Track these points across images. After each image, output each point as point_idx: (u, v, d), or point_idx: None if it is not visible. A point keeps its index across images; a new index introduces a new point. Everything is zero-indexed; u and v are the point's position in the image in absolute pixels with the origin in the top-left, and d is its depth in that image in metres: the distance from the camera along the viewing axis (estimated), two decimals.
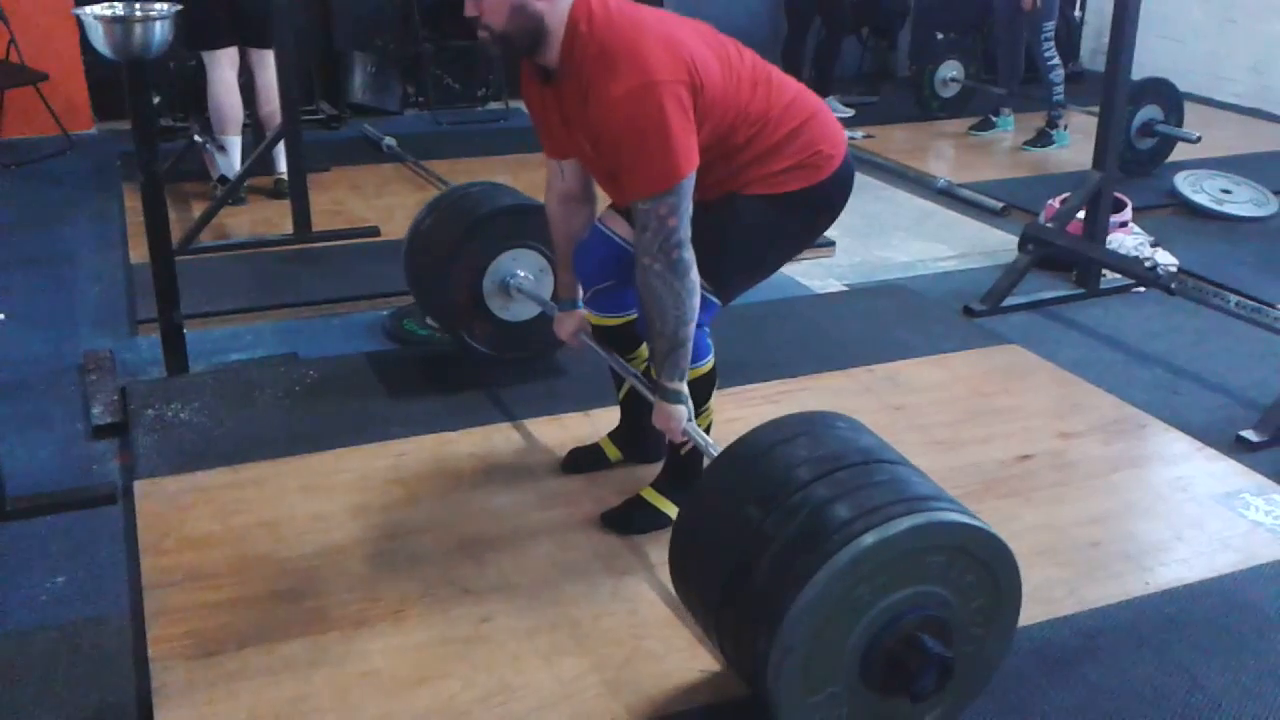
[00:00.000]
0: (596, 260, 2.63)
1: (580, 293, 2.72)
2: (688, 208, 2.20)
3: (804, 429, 2.00)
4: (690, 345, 2.29)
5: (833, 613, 1.78)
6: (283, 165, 4.72)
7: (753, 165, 2.38)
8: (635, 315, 2.64)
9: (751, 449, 2.00)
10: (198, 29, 4.61)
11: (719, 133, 2.28)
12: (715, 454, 2.13)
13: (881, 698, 1.89)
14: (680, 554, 2.05)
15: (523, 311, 3.26)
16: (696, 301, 2.26)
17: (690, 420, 2.35)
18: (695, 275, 2.24)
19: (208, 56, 4.79)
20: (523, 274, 3.19)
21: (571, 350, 2.92)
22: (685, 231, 2.20)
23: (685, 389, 2.33)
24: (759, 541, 1.84)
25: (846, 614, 1.80)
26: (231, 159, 4.83)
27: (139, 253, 3.93)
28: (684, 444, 2.43)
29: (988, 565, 1.90)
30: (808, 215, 2.50)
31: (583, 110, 2.22)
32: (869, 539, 1.75)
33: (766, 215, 2.42)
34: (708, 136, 2.25)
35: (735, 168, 2.37)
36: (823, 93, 6.74)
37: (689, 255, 2.22)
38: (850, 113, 6.74)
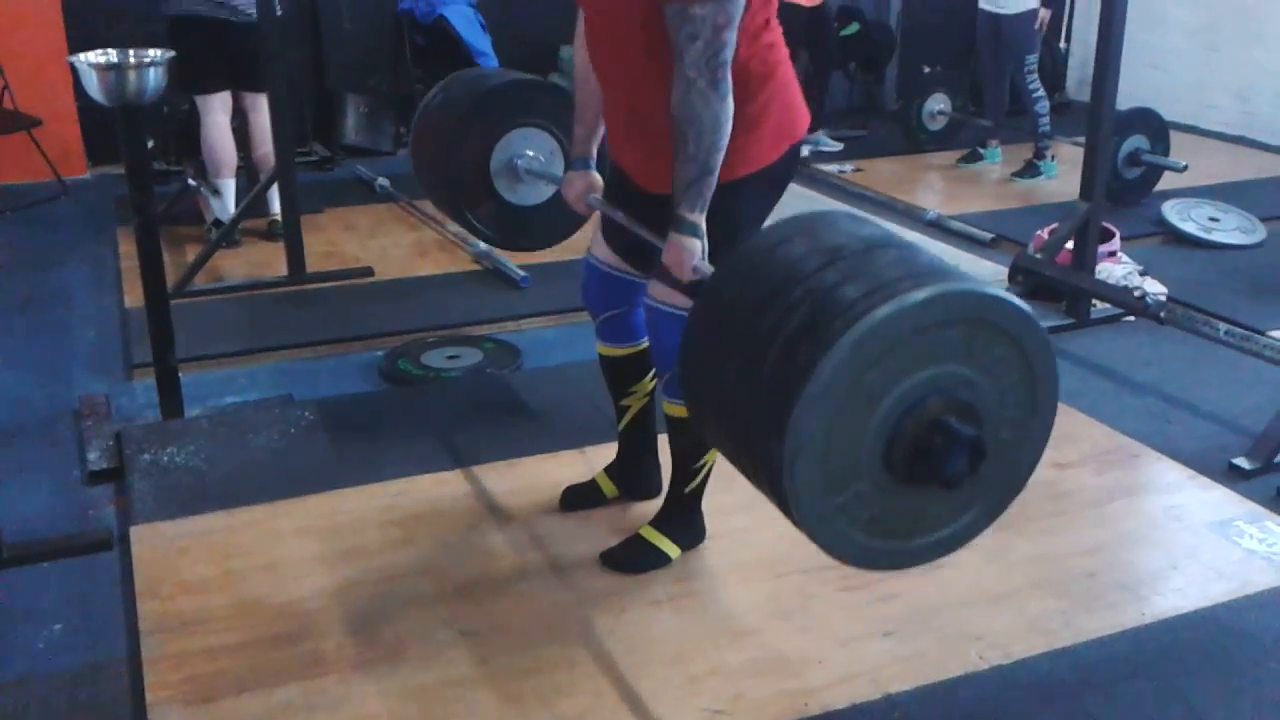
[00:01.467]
0: (598, 291, 2.63)
1: (594, 150, 2.61)
2: (736, 29, 2.12)
3: (805, 226, 1.88)
4: (716, 176, 2.19)
5: (844, 403, 1.64)
6: (276, 207, 4.74)
7: (747, 120, 2.27)
8: (645, 345, 2.62)
9: (750, 252, 1.89)
10: (191, 73, 4.64)
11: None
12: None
13: (911, 491, 1.74)
14: (689, 372, 1.94)
15: (530, 195, 3.07)
16: (729, 130, 2.17)
17: (703, 257, 2.20)
18: (732, 102, 2.15)
19: (201, 101, 4.82)
20: (532, 154, 3.01)
21: (579, 210, 2.69)
22: (730, 52, 2.12)
23: (703, 222, 2.21)
24: (762, 340, 1.71)
25: (860, 403, 1.66)
26: (226, 202, 4.85)
27: (134, 297, 3.95)
28: (695, 280, 2.22)
29: (1012, 337, 1.72)
30: (763, 195, 2.41)
31: None
32: (869, 319, 1.60)
33: (761, 195, 2.35)
34: None
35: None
36: (811, 128, 6.80)
37: (729, 75, 2.14)
38: (838, 147, 6.80)
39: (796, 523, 1.73)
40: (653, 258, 2.35)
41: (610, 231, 2.58)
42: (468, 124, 2.97)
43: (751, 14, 2.20)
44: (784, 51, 2.36)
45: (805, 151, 6.69)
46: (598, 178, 2.61)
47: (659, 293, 2.39)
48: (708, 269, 2.17)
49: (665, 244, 2.23)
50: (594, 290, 2.65)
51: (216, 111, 4.80)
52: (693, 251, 2.19)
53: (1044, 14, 5.96)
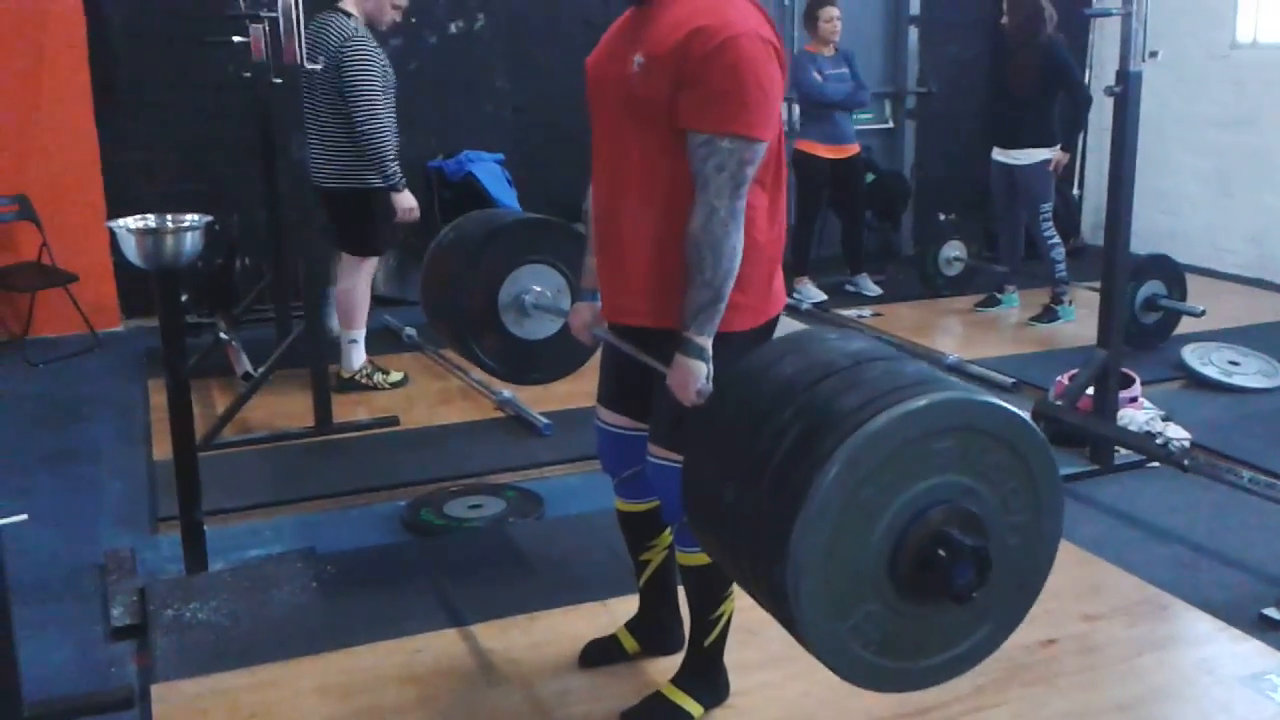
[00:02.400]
0: (614, 454, 2.66)
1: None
2: (757, 167, 2.20)
3: (794, 344, 1.92)
4: (724, 305, 2.23)
5: (843, 520, 1.63)
6: (355, 360, 5.07)
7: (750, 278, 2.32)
8: (659, 502, 2.62)
9: (743, 373, 1.92)
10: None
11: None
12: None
13: (922, 608, 1.71)
14: (691, 497, 1.94)
15: (536, 330, 3.12)
16: (740, 260, 2.22)
17: (708, 381, 2.21)
18: (743, 232, 2.22)
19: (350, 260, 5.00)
20: (539, 289, 3.08)
21: (587, 345, 2.76)
22: (748, 186, 2.20)
23: (709, 346, 2.23)
24: (757, 461, 1.71)
25: (860, 519, 1.65)
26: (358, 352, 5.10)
27: (162, 449, 3.99)
28: (697, 404, 2.21)
29: (1009, 443, 1.72)
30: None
31: (676, 34, 2.18)
32: (862, 433, 1.61)
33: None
34: None
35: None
36: (854, 270, 6.94)
37: (745, 205, 2.21)
38: (879, 291, 6.91)
39: (806, 647, 1.71)
40: (649, 405, 2.40)
41: (608, 393, 2.62)
42: (477, 260, 3.05)
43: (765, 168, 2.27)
44: (778, 222, 2.41)
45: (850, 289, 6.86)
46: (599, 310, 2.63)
47: (658, 451, 2.42)
48: (710, 391, 2.19)
49: (671, 368, 2.25)
50: (607, 451, 2.67)
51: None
52: (699, 375, 2.22)
53: (1060, 157, 6.06)
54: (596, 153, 2.46)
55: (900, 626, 1.73)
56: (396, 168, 4.80)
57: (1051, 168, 6.06)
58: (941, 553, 1.66)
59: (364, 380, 5.09)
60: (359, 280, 5.01)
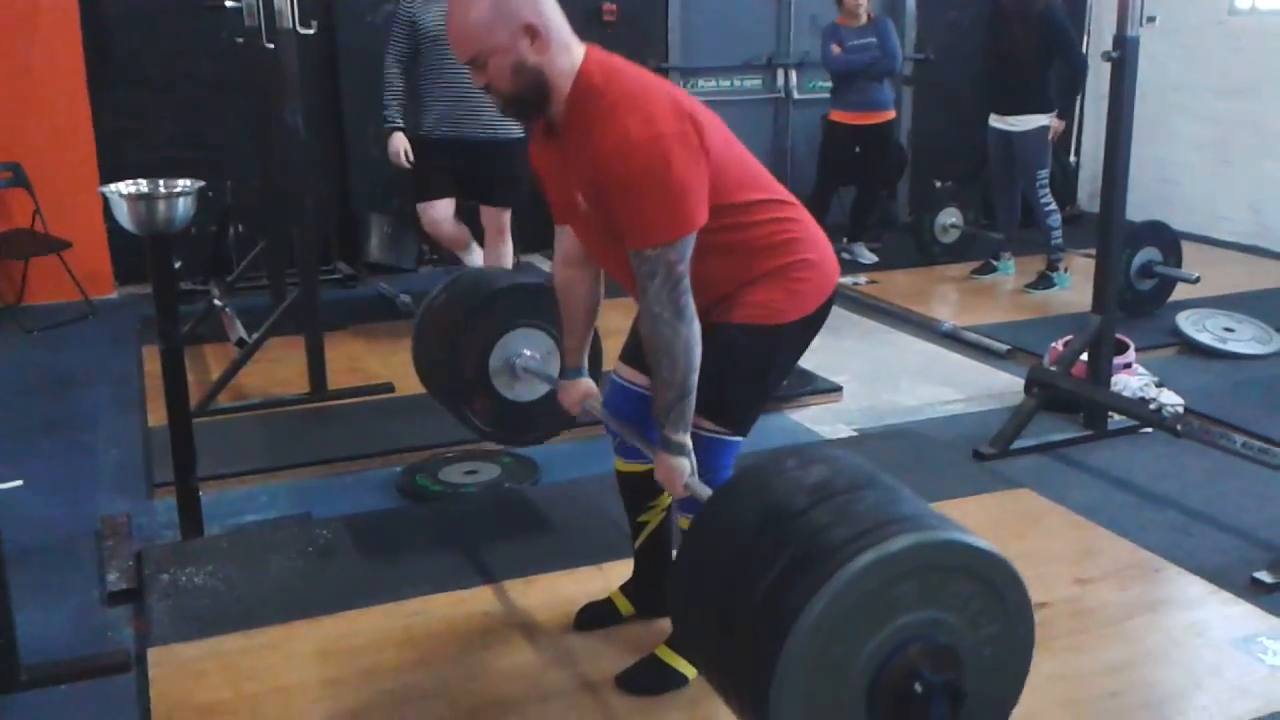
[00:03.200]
0: (620, 408, 2.66)
1: (584, 360, 2.71)
2: (690, 253, 2.21)
3: (785, 465, 1.94)
4: (694, 396, 2.26)
5: (819, 667, 1.68)
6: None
7: (740, 282, 2.38)
8: None
9: (734, 491, 1.96)
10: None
11: (715, 199, 2.26)
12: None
13: None
14: (677, 610, 1.98)
15: (527, 393, 3.14)
16: (700, 348, 2.24)
17: (693, 474, 2.28)
18: (698, 324, 2.24)
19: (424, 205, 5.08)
20: (530, 353, 3.10)
21: (577, 417, 2.85)
22: (688, 276, 2.21)
23: (689, 441, 2.29)
24: (745, 588, 1.76)
25: (835, 665, 1.70)
26: (474, 257, 5.25)
27: (157, 416, 4.00)
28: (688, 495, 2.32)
29: (979, 576, 1.78)
30: (800, 337, 2.50)
31: (586, 163, 2.22)
32: (834, 584, 1.66)
33: (762, 344, 2.42)
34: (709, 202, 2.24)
35: (723, 269, 2.36)
36: (852, 238, 6.96)
37: (691, 301, 2.22)
38: (875, 259, 6.94)
39: None
40: None
41: (633, 352, 2.63)
42: (468, 326, 3.07)
43: (730, 202, 2.30)
44: (795, 221, 2.44)
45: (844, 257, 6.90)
46: (592, 384, 2.73)
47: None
48: (699, 486, 2.25)
49: (656, 462, 2.32)
50: (616, 407, 2.68)
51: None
52: (682, 470, 2.28)
53: (1057, 125, 6.06)
54: (584, 243, 2.51)
55: None
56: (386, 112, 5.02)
57: (1050, 136, 6.05)
58: (918, 688, 1.72)
59: None
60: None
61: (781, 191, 2.45)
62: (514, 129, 4.81)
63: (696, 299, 2.25)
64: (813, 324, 2.48)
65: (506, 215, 5.11)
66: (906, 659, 1.73)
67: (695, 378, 2.25)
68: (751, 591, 1.76)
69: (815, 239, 2.47)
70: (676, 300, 2.20)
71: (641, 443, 2.49)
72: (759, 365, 2.45)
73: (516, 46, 2.18)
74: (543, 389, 3.08)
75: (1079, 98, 8.14)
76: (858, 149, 6.70)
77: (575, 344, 2.69)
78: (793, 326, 2.43)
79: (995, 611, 1.81)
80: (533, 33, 2.17)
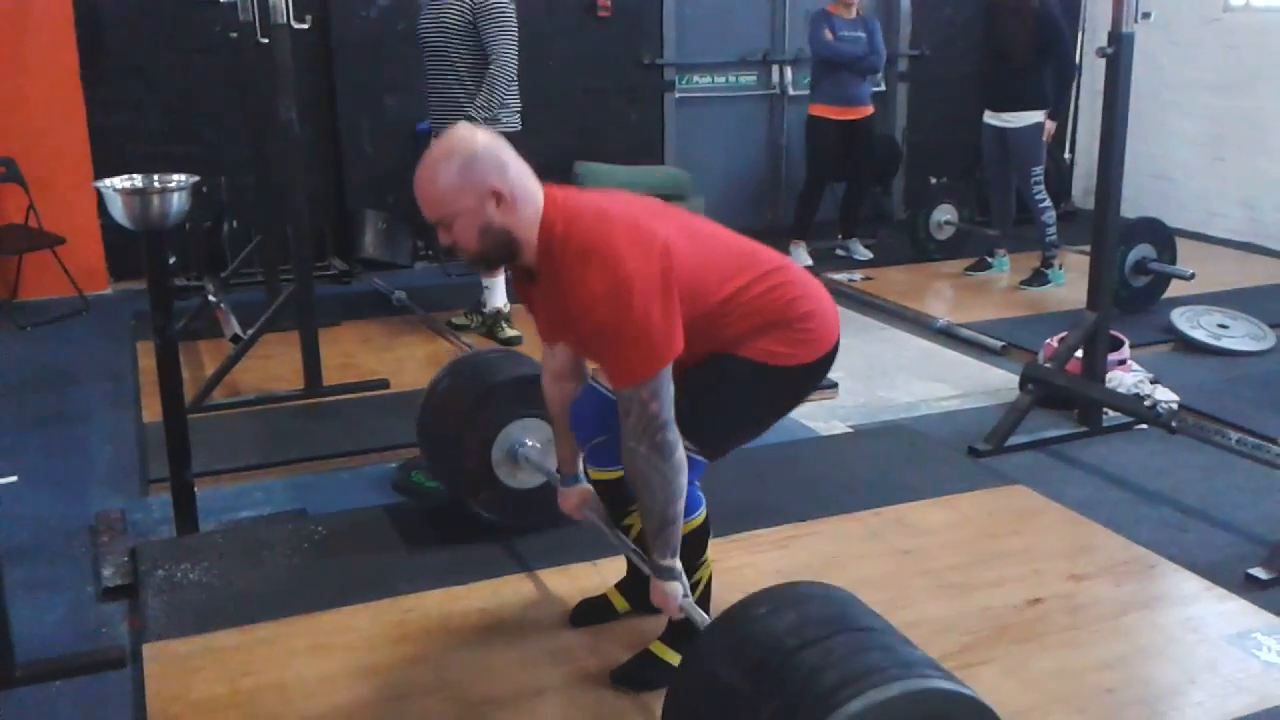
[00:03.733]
0: (591, 414, 2.65)
1: (582, 467, 2.76)
2: (669, 390, 2.25)
3: (792, 599, 2.01)
4: (680, 522, 2.33)
5: None
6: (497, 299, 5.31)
7: (745, 337, 2.42)
8: None
9: (723, 627, 2.00)
10: None
11: (699, 307, 2.32)
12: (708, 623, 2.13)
13: None
14: None
15: (530, 480, 3.25)
16: (684, 480, 2.30)
17: (686, 596, 2.36)
18: (681, 454, 2.28)
19: None
20: (531, 443, 3.19)
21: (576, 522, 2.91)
22: (668, 413, 2.25)
23: (679, 565, 2.36)
24: None
25: None
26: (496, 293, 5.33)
27: (152, 411, 3.99)
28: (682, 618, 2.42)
29: None
30: (798, 383, 2.53)
31: (564, 306, 2.27)
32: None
33: (756, 379, 2.45)
34: (687, 313, 2.28)
35: (725, 339, 2.41)
36: (846, 235, 6.95)
37: (673, 436, 2.26)
38: (869, 255, 6.93)
39: None
40: None
41: None
42: (470, 419, 3.17)
43: (720, 298, 2.36)
44: (790, 284, 2.46)
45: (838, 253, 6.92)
46: (589, 490, 2.78)
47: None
48: (693, 609, 2.35)
49: (650, 588, 2.39)
50: (587, 416, 2.66)
51: None
52: (675, 594, 2.35)
53: (1050, 125, 6.07)
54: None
55: None
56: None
57: (1045, 137, 6.05)
58: None
59: (490, 322, 5.32)
60: None
61: (768, 260, 2.48)
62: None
63: (707, 346, 2.33)
64: (813, 372, 2.52)
65: None
66: None
67: (677, 507, 2.30)
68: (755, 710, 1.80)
69: (812, 292, 2.50)
70: (653, 436, 2.24)
71: (639, 561, 2.56)
72: (747, 393, 2.47)
73: (483, 210, 2.23)
74: (539, 480, 3.19)
75: (1073, 96, 8.18)
76: (845, 144, 6.67)
77: (568, 453, 2.74)
78: (795, 371, 2.46)
79: None
80: (499, 197, 2.22)
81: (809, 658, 1.82)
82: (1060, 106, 6.09)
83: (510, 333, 5.29)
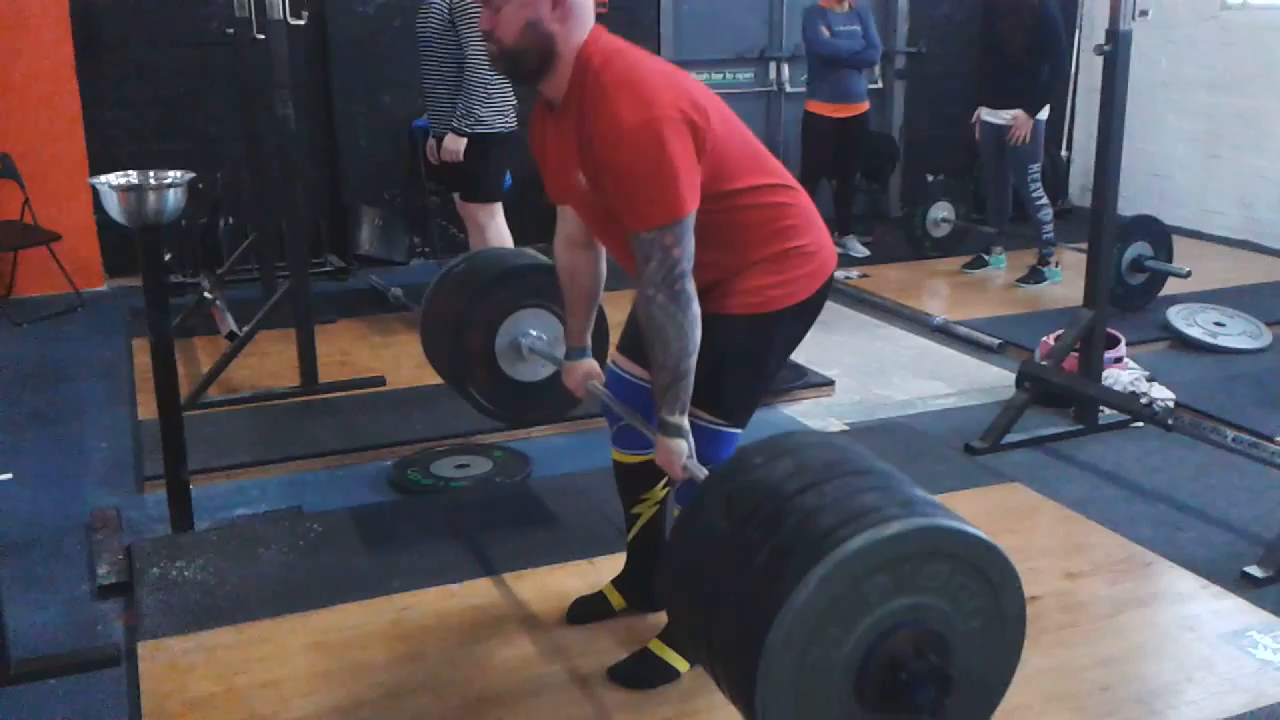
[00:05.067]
0: (622, 398, 2.65)
1: (588, 340, 2.71)
2: (691, 240, 2.20)
3: (786, 448, 1.95)
4: (692, 378, 2.26)
5: (809, 644, 1.69)
6: None
7: (739, 263, 2.38)
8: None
9: (731, 471, 1.96)
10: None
11: (716, 185, 2.27)
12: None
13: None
14: (667, 597, 1.99)
15: (531, 373, 3.13)
16: (699, 334, 2.24)
17: (690, 456, 2.28)
18: (697, 308, 2.23)
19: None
20: (536, 333, 3.08)
21: (581, 401, 2.84)
22: (688, 263, 2.20)
23: (686, 424, 2.29)
24: (731, 577, 1.77)
25: (827, 642, 1.71)
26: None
27: (147, 409, 3.98)
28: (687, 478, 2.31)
29: (975, 566, 1.78)
30: (795, 326, 2.49)
31: (584, 145, 2.22)
32: (829, 563, 1.66)
33: (754, 335, 2.41)
34: (705, 182, 2.24)
35: (721, 245, 2.34)
36: (842, 232, 6.95)
37: (691, 288, 2.21)
38: (866, 253, 6.92)
39: None
40: None
41: (630, 342, 2.63)
42: (481, 298, 3.05)
43: (731, 187, 2.30)
44: (794, 206, 2.44)
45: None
46: (595, 365, 2.73)
47: None
48: (696, 468, 2.25)
49: (655, 446, 2.32)
50: (616, 396, 2.66)
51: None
52: (680, 452, 2.28)
53: (1024, 120, 5.97)
54: (585, 220, 2.50)
55: None
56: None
57: (1016, 134, 5.97)
58: (903, 675, 1.73)
59: None
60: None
61: (783, 175, 2.45)
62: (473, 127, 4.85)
63: (702, 254, 2.25)
64: (806, 311, 2.47)
65: (480, 210, 5.04)
66: (892, 646, 1.73)
67: (691, 361, 2.24)
68: (739, 577, 1.76)
69: (812, 226, 2.47)
70: (672, 284, 2.19)
71: (641, 425, 2.48)
72: (754, 356, 2.44)
73: (538, 5, 2.19)
74: (545, 371, 3.07)
75: (1070, 94, 8.19)
76: (839, 141, 6.66)
77: (578, 325, 2.69)
78: (786, 314, 2.42)
79: (991, 616, 1.82)
80: (556, 1, 2.19)
81: (806, 501, 1.77)
82: (1041, 104, 6.02)
83: None
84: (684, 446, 2.28)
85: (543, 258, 3.20)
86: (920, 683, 1.72)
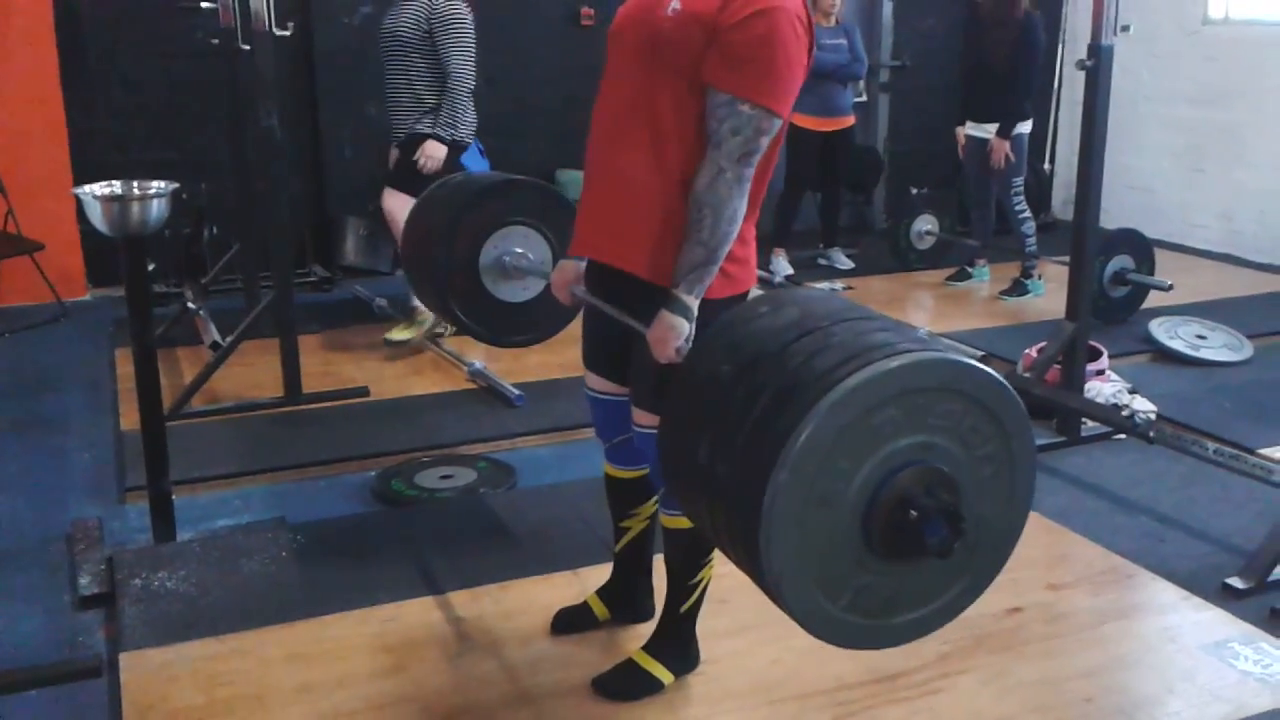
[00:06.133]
0: (604, 419, 2.65)
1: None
2: (766, 145, 2.21)
3: (770, 303, 1.92)
4: (718, 267, 2.24)
5: (816, 483, 1.65)
6: None
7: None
8: (648, 469, 2.61)
9: (723, 327, 1.94)
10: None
11: None
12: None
13: (897, 565, 1.73)
14: (669, 457, 1.95)
15: (516, 293, 3.07)
16: (739, 226, 2.24)
17: (688, 341, 2.21)
18: (746, 202, 2.23)
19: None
20: (520, 250, 3.03)
21: (568, 303, 2.68)
22: (759, 159, 2.21)
23: (695, 307, 2.23)
24: (731, 425, 1.73)
25: (832, 482, 1.66)
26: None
27: (130, 419, 3.97)
28: (674, 361, 2.21)
29: (983, 404, 1.74)
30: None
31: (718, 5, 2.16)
32: (831, 398, 1.62)
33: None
34: None
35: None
36: (827, 244, 6.97)
37: (751, 176, 2.22)
38: (851, 265, 6.95)
39: (780, 605, 1.72)
40: (629, 368, 2.41)
41: (590, 357, 2.62)
42: (463, 215, 3.00)
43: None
44: (754, 210, 2.40)
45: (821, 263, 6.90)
46: (580, 266, 2.59)
47: (643, 418, 2.42)
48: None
49: (653, 322, 2.24)
50: (600, 418, 2.67)
51: None
52: (680, 333, 2.21)
53: (998, 144, 6.00)
54: (605, 99, 2.41)
55: (874, 584, 1.74)
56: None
57: (993, 153, 6.01)
58: (913, 513, 1.67)
59: (426, 321, 5.19)
60: None
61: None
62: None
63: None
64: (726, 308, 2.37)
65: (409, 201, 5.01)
66: (908, 479, 1.69)
67: (725, 249, 2.23)
68: (744, 417, 1.71)
69: (750, 236, 2.42)
70: (745, 166, 2.20)
71: (628, 319, 2.33)
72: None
73: None
74: (533, 289, 3.03)
75: (1053, 107, 8.24)
76: (823, 155, 6.69)
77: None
78: (724, 304, 2.31)
79: (1002, 457, 1.77)
80: None
81: (807, 344, 1.73)
82: (1020, 120, 6.04)
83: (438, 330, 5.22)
84: (685, 328, 2.22)
85: (521, 176, 3.16)
86: (930, 520, 1.67)
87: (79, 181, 3.51)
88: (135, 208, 3.02)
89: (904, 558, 1.72)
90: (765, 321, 1.84)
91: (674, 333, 2.21)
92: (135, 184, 3.11)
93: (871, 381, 1.64)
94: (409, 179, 4.91)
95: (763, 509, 1.63)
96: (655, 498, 2.69)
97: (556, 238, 2.97)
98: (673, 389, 1.98)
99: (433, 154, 4.88)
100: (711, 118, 2.19)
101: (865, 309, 1.89)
